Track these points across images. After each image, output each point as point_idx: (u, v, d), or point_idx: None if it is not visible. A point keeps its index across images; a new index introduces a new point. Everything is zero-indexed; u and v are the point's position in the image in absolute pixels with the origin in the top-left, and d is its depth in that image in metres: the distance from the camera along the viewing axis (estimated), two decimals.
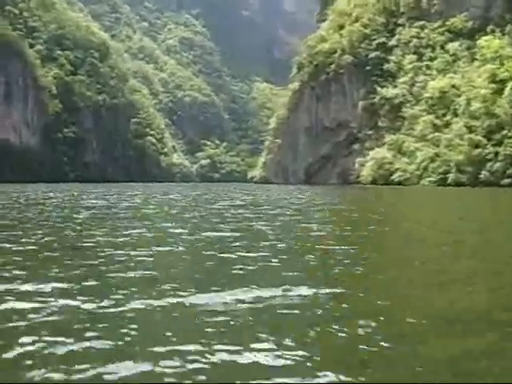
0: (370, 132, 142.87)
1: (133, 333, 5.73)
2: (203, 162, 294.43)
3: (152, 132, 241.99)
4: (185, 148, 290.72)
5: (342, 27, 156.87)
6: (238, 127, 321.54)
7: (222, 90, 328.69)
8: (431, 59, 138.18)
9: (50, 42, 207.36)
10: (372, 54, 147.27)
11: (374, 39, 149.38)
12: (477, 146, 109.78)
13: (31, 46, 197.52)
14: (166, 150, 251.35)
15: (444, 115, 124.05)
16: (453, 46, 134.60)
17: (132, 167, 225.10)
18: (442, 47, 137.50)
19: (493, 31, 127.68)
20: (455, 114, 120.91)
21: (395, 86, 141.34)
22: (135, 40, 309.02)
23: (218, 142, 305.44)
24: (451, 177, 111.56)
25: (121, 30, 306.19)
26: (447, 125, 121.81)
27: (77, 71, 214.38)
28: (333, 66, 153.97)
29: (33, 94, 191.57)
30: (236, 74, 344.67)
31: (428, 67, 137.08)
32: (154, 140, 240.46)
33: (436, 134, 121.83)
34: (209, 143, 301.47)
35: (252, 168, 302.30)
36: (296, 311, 6.70)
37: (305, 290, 7.76)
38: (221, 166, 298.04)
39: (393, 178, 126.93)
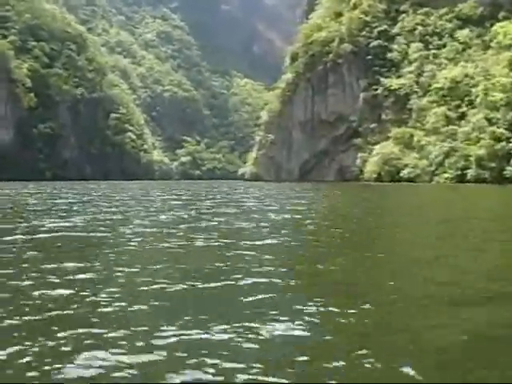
0: (373, 125, 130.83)
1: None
2: (183, 159, 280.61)
3: (131, 128, 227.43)
4: (164, 145, 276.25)
5: (339, 14, 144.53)
6: (219, 123, 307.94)
7: (202, 85, 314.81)
8: (439, 47, 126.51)
9: (24, 33, 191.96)
10: (374, 43, 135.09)
11: (376, 27, 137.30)
12: (499, 140, 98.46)
13: (4, 36, 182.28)
14: (145, 146, 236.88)
15: (458, 107, 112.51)
16: (463, 34, 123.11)
17: (111, 164, 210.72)
18: (451, 35, 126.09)
19: (506, 18, 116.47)
20: (471, 106, 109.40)
21: (399, 76, 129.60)
22: (112, 34, 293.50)
23: (198, 138, 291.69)
24: (471, 173, 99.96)
25: (97, 24, 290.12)
26: (462, 117, 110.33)
27: (53, 64, 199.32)
28: (331, 56, 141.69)
29: (6, 86, 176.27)
30: (216, 69, 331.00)
31: (436, 56, 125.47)
32: (133, 136, 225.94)
33: (450, 126, 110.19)
34: (189, 140, 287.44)
35: (232, 165, 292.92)
36: None
37: None
38: (201, 162, 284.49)
39: (402, 174, 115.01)
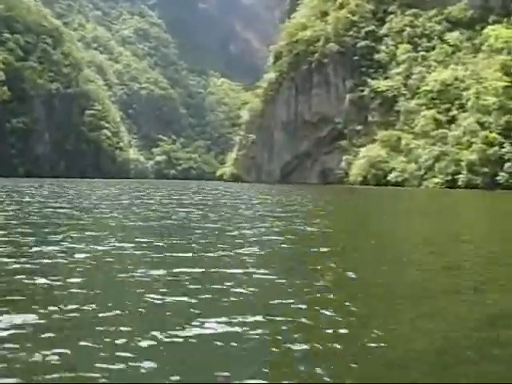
0: (359, 127, 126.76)
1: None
2: (159, 158, 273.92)
3: (107, 125, 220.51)
4: (140, 143, 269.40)
5: (325, 14, 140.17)
6: (195, 123, 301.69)
7: (179, 84, 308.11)
8: (428, 50, 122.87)
9: None
10: (361, 43, 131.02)
11: (363, 27, 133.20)
12: (492, 145, 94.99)
13: None
14: (121, 144, 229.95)
15: (448, 110, 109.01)
16: (452, 36, 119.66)
17: (86, 162, 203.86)
18: (440, 37, 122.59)
19: (497, 21, 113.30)
20: (462, 109, 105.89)
21: (387, 78, 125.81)
22: (88, 29, 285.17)
23: (174, 137, 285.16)
24: (462, 178, 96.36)
25: (73, 18, 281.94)
26: (452, 120, 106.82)
27: (28, 57, 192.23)
28: (316, 55, 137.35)
29: None
30: (192, 67, 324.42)
31: (424, 58, 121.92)
32: (109, 134, 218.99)
33: (440, 130, 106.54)
34: (165, 138, 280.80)
35: (208, 165, 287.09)
36: None
37: None
38: (177, 162, 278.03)
39: (389, 178, 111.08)
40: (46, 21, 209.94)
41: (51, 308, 6.63)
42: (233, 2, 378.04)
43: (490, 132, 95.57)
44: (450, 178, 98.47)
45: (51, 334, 5.60)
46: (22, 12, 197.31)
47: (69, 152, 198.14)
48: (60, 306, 6.70)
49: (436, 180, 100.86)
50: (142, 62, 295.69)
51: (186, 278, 8.60)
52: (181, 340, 5.45)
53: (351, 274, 9.54)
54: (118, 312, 6.52)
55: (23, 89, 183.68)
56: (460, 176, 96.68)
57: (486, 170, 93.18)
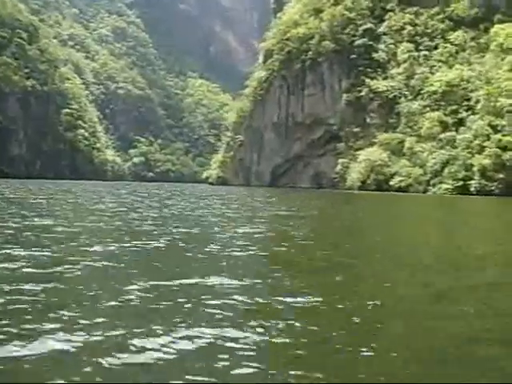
0: (356, 129, 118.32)
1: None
2: (136, 159, 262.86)
3: (84, 125, 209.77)
4: (117, 144, 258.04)
5: (319, 11, 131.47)
6: (173, 124, 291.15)
7: (157, 84, 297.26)
8: (430, 49, 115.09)
9: None
10: (358, 41, 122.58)
11: (360, 25, 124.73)
12: (505, 149, 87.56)
13: None
14: (98, 145, 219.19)
15: (455, 112, 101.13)
16: (456, 35, 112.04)
17: (62, 163, 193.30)
18: (443, 36, 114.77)
19: (502, 21, 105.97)
20: (470, 111, 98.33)
21: (386, 78, 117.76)
22: (65, 26, 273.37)
23: (152, 138, 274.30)
24: (474, 184, 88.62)
25: (49, 15, 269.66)
26: (460, 123, 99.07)
27: (2, 52, 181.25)
28: (309, 54, 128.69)
29: None
30: (171, 68, 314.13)
31: (427, 58, 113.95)
32: (86, 134, 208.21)
33: (447, 133, 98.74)
34: (142, 140, 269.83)
35: (187, 167, 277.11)
36: None
37: None
38: (155, 164, 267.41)
39: (392, 183, 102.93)
40: (21, 14, 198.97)
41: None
42: (212, 3, 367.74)
43: (504, 135, 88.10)
44: (460, 183, 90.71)
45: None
46: None
47: (45, 152, 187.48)
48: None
49: (445, 186, 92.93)
50: (120, 62, 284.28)
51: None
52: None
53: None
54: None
55: None
56: (472, 182, 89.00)
57: (501, 175, 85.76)
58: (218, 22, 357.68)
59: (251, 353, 5.19)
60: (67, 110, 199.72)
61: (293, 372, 4.68)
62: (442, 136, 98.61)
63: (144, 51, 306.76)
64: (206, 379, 4.43)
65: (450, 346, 5.78)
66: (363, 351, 5.31)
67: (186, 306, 7.08)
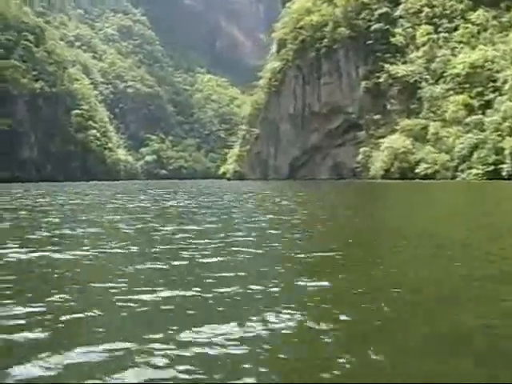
0: (376, 117, 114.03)
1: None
2: (148, 157, 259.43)
3: (95, 125, 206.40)
4: (128, 143, 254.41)
5: None
6: (183, 121, 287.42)
7: (165, 81, 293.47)
8: (449, 30, 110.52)
9: None
10: (375, 26, 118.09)
11: (376, 9, 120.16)
12: None
13: None
14: (110, 145, 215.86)
15: (481, 94, 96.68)
16: (478, 15, 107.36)
17: (74, 164, 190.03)
18: (463, 17, 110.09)
19: None
20: (498, 92, 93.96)
21: (405, 62, 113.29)
22: (71, 27, 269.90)
23: (162, 136, 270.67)
24: (506, 168, 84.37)
25: (54, 17, 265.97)
26: (487, 105, 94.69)
27: (9, 55, 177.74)
28: (324, 41, 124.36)
29: None
30: (178, 64, 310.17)
31: (447, 40, 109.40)
32: (97, 134, 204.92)
33: (474, 116, 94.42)
34: (153, 138, 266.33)
35: (199, 163, 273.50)
36: None
37: None
38: (167, 161, 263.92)
39: (418, 170, 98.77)
40: (28, 17, 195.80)
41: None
42: None
43: None
44: (491, 168, 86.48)
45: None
46: (1, 8, 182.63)
47: (55, 154, 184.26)
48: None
49: (475, 171, 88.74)
50: (127, 60, 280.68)
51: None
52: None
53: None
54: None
55: (6, 88, 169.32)
56: (504, 166, 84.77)
57: None
58: (224, 16, 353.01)
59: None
60: (77, 111, 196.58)
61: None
62: (468, 120, 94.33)
63: (151, 49, 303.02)
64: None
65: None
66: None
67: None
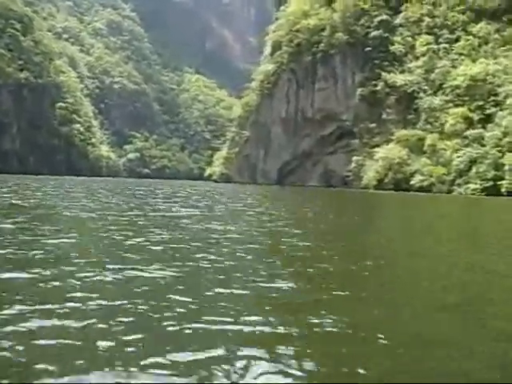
0: (372, 125, 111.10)
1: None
2: (131, 155, 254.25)
3: (80, 119, 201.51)
4: (111, 139, 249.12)
5: (331, 1, 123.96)
6: (169, 120, 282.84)
7: (152, 79, 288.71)
8: (450, 42, 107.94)
9: None
10: (374, 33, 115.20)
11: (375, 16, 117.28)
12: None
13: None
14: (93, 140, 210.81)
15: (481, 108, 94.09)
16: (480, 28, 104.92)
17: (57, 158, 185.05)
18: (464, 28, 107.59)
19: None
20: (499, 107, 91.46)
21: (403, 72, 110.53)
22: (59, 19, 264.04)
23: (147, 134, 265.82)
24: (506, 184, 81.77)
25: (43, 7, 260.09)
26: (487, 119, 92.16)
27: None
28: (321, 46, 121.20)
29: None
30: (166, 63, 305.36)
31: (447, 51, 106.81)
32: (81, 128, 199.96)
33: (474, 130, 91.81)
34: (138, 135, 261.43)
35: (183, 164, 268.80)
36: None
37: None
38: (150, 160, 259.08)
39: (413, 182, 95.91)
40: (16, 5, 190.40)
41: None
42: None
43: None
44: (490, 183, 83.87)
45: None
46: None
47: (39, 147, 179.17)
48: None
49: (472, 186, 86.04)
50: (115, 56, 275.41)
51: None
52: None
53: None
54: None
55: None
56: (503, 182, 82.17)
57: None
58: (215, 17, 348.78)
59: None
60: (62, 104, 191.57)
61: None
62: (467, 133, 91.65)
63: (139, 45, 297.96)
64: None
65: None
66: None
67: None
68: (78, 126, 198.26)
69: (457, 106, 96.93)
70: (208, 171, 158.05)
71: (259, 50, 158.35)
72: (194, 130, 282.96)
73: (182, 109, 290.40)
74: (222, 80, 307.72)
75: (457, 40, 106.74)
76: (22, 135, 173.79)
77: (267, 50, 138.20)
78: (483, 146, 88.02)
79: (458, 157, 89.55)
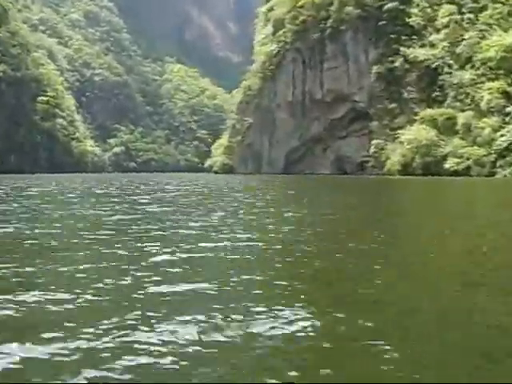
0: (391, 106, 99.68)
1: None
2: (116, 149, 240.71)
3: (62, 114, 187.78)
4: (95, 133, 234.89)
5: None
6: (153, 111, 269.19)
7: (133, 70, 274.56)
8: (474, 11, 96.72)
9: None
10: (388, 5, 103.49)
11: None
12: None
13: None
14: (77, 134, 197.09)
15: None
16: None
17: (39, 155, 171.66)
18: None
19: None
20: None
21: (423, 46, 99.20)
22: (35, 11, 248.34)
23: (132, 127, 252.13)
24: None
25: None
26: None
27: None
28: (329, 22, 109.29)
29: None
30: (147, 53, 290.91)
31: (472, 21, 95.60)
32: (64, 123, 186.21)
33: None
34: (122, 128, 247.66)
35: (170, 156, 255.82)
36: None
37: None
38: (136, 154, 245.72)
39: (447, 166, 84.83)
40: None
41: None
42: None
43: None
44: None
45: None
46: None
47: (20, 144, 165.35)
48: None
49: None
50: (94, 47, 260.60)
51: None
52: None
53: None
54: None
55: None
56: None
57: None
58: (194, 6, 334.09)
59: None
60: (43, 98, 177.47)
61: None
62: (508, 109, 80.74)
63: (118, 36, 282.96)
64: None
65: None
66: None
67: None
68: (61, 120, 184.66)
69: (490, 80, 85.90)
70: (208, 162, 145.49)
71: (253, 27, 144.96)
72: (179, 120, 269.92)
73: (166, 99, 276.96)
74: (204, 69, 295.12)
75: (482, 9, 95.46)
76: (1, 132, 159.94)
77: (268, 29, 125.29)
78: None
79: (502, 135, 78.59)
